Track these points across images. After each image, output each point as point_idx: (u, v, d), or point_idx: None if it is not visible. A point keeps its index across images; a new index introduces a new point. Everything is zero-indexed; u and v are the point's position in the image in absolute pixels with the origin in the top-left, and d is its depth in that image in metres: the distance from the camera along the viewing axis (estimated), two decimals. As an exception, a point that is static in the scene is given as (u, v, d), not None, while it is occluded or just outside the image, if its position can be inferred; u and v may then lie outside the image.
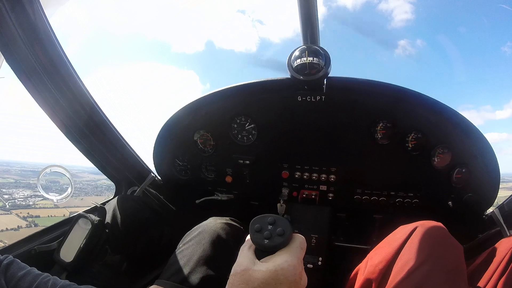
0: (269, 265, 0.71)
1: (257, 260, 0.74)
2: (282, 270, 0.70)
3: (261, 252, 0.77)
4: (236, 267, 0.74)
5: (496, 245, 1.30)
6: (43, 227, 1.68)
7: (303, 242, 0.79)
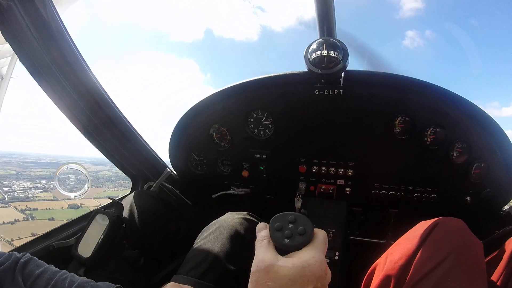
0: (295, 261, 0.69)
1: (279, 255, 0.72)
2: (309, 266, 0.68)
3: (282, 250, 0.74)
4: (259, 263, 0.70)
5: (508, 240, 1.29)
6: (61, 224, 1.68)
7: (326, 237, 0.77)
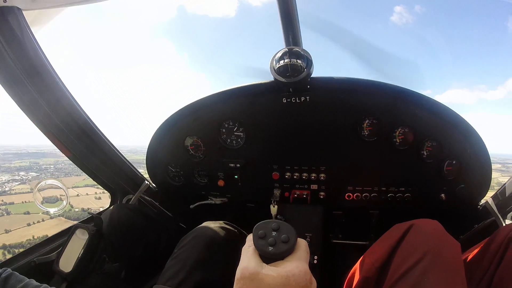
0: (279, 270, 0.68)
1: (264, 264, 0.71)
2: (293, 276, 0.68)
3: (266, 258, 0.74)
4: (243, 271, 0.69)
5: (492, 235, 1.29)
6: (42, 239, 1.71)
7: (307, 246, 0.77)
